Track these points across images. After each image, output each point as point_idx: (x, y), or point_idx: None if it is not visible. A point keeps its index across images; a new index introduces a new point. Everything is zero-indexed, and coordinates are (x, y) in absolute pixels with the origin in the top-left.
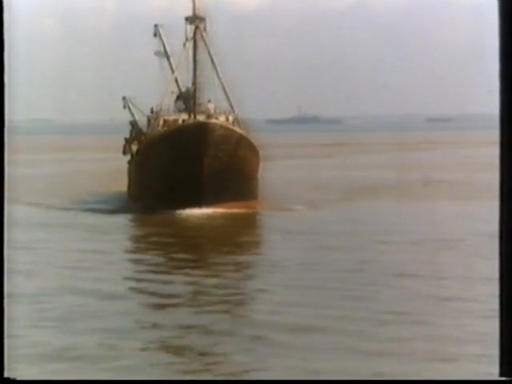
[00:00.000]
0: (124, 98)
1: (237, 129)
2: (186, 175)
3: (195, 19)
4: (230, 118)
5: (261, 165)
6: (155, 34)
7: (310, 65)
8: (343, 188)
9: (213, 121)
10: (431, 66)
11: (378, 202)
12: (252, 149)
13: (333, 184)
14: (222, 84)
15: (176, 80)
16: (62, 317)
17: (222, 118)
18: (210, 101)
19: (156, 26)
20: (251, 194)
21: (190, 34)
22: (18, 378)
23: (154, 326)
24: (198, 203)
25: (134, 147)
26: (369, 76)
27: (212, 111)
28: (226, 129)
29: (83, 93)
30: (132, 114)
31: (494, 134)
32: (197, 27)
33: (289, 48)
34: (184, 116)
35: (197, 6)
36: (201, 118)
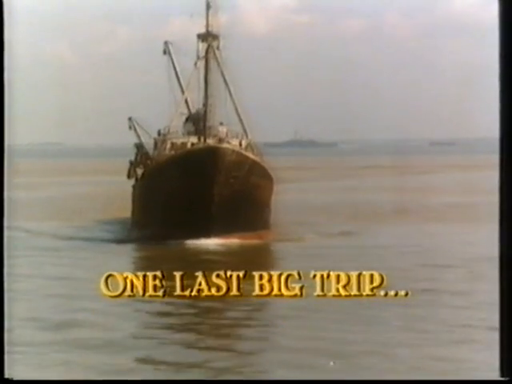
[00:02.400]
0: (130, 119)
1: (250, 154)
2: (194, 203)
3: (208, 37)
4: (244, 143)
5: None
6: (165, 52)
7: (313, 89)
8: (350, 212)
9: (224, 145)
10: (435, 89)
11: (394, 225)
12: (266, 176)
13: (338, 208)
14: (235, 106)
15: (186, 101)
16: None
17: (234, 142)
18: (221, 123)
19: (166, 43)
20: (263, 223)
21: (202, 53)
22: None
23: None
24: (207, 234)
25: (140, 171)
26: (373, 100)
27: (224, 135)
28: (239, 154)
29: (92, 116)
30: (138, 136)
31: None
32: (209, 45)
33: (295, 71)
34: (193, 139)
35: (210, 23)
36: (211, 141)
